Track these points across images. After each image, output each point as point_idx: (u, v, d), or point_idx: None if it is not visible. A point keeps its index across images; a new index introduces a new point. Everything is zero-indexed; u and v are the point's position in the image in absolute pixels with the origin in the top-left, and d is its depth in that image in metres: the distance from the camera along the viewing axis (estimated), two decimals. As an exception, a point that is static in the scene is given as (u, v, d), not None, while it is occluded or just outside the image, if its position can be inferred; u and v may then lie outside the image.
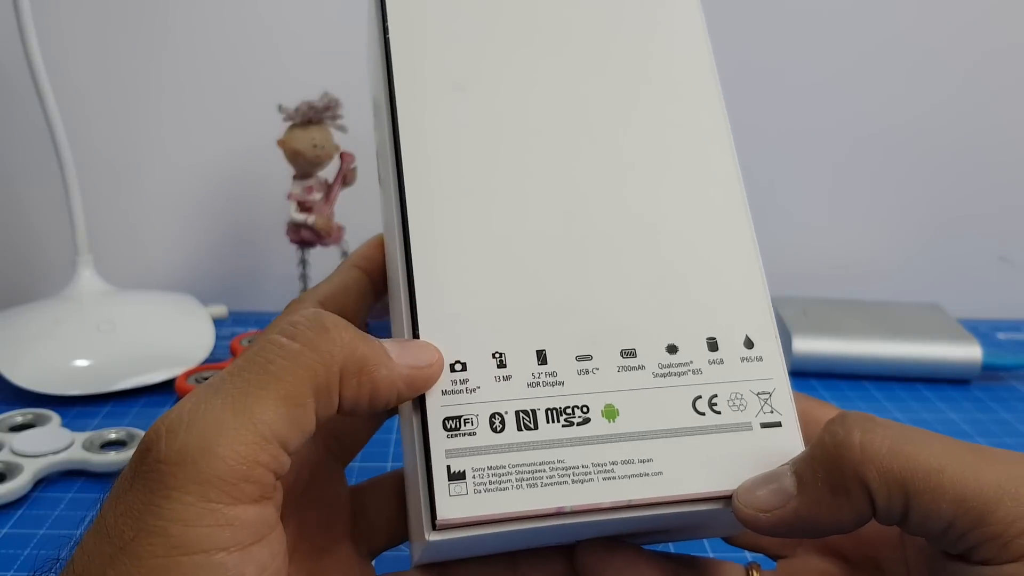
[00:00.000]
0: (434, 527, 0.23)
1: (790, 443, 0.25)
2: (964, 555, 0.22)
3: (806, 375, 0.58)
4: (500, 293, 0.26)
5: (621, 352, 0.25)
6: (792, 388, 0.26)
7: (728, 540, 0.31)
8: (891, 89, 0.66)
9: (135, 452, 0.21)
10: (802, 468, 0.23)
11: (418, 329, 0.25)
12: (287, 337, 0.22)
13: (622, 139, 0.28)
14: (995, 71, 0.66)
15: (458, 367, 0.25)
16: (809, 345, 0.57)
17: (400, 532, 0.30)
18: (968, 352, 0.57)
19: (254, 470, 0.20)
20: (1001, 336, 0.67)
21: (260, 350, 0.22)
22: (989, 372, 0.58)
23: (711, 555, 0.30)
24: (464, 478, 0.24)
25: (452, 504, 0.23)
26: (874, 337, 0.58)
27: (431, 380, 0.24)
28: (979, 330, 0.65)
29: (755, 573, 0.29)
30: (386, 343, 0.24)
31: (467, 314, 0.25)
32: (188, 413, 0.21)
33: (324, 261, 0.61)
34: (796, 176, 0.68)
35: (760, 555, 0.30)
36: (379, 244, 0.30)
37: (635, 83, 0.28)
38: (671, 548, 0.30)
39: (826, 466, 0.22)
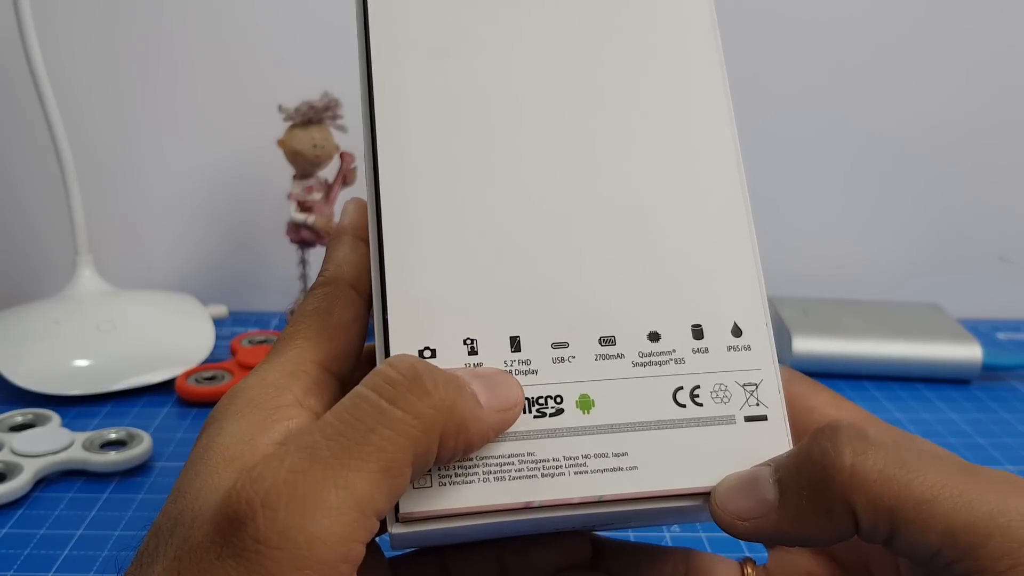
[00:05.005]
0: (397, 519, 0.23)
1: (775, 438, 0.24)
2: None
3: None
4: (474, 275, 0.24)
5: (600, 340, 0.24)
6: (792, 373, 0.25)
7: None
8: (892, 90, 0.66)
9: (220, 515, 0.20)
10: (785, 479, 0.22)
11: (387, 312, 0.24)
12: (387, 400, 0.21)
13: (612, 113, 0.26)
14: (995, 72, 0.66)
15: (427, 353, 0.24)
16: (809, 345, 0.57)
17: None
18: (968, 352, 0.57)
19: (353, 549, 0.20)
20: (1001, 336, 0.67)
21: (358, 411, 0.21)
22: (989, 372, 0.58)
23: (703, 539, 0.30)
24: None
25: (416, 497, 0.23)
26: (874, 337, 0.58)
27: (514, 421, 0.23)
28: (979, 330, 0.65)
29: (748, 569, 0.28)
30: (474, 385, 0.22)
31: (438, 297, 0.24)
32: (285, 484, 0.19)
33: (324, 261, 0.61)
34: (796, 177, 0.68)
35: (752, 544, 0.30)
36: (364, 208, 0.28)
37: (632, 51, 0.27)
38: (667, 538, 0.30)
39: (811, 484, 0.21)
